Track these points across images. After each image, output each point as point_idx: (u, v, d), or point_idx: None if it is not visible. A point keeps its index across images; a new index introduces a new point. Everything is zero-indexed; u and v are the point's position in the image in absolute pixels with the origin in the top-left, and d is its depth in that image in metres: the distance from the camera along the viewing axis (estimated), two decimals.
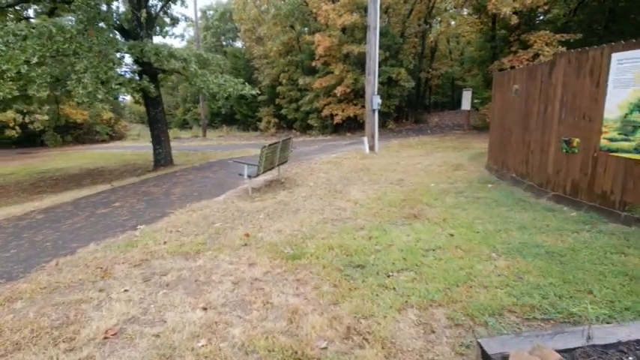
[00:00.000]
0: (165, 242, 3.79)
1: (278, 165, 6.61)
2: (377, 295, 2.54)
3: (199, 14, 31.35)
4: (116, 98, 8.04)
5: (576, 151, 4.40)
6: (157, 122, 10.10)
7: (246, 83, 10.12)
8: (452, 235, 3.70)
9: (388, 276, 2.83)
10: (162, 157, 10.30)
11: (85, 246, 3.86)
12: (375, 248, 3.40)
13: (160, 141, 10.22)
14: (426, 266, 2.98)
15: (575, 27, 15.12)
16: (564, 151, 4.60)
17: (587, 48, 4.14)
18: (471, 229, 3.84)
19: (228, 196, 5.99)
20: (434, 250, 3.33)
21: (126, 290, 2.74)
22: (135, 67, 8.48)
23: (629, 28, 13.46)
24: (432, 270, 2.91)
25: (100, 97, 6.60)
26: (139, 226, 4.47)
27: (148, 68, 9.14)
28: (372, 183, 6.40)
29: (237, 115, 26.52)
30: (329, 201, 5.31)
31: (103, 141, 25.10)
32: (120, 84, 7.28)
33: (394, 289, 2.64)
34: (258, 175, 5.77)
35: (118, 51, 7.33)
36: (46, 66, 6.37)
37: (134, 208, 5.52)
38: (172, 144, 19.91)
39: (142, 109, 10.76)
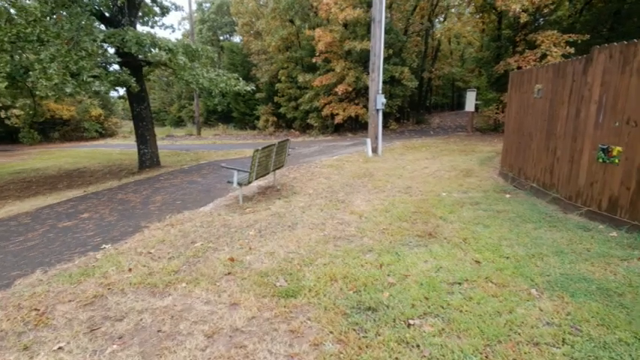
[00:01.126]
0: (130, 269, 3.14)
1: (273, 170, 5.97)
2: (396, 359, 1.92)
3: (194, 7, 30.57)
4: (98, 92, 7.30)
5: (617, 161, 3.80)
6: (141, 120, 9.38)
7: (240, 79, 9.43)
8: (478, 262, 3.09)
9: (408, 325, 2.21)
10: (147, 157, 9.58)
11: (28, 275, 3.15)
12: (388, 281, 2.77)
13: (145, 140, 9.50)
14: (454, 309, 2.37)
15: (581, 28, 14.68)
16: (601, 160, 4.00)
17: (635, 40, 3.54)
18: (498, 254, 3.24)
19: (215, 205, 5.35)
20: (460, 283, 2.72)
21: (60, 348, 2.08)
22: (116, 57, 7.73)
23: (635, 30, 13.01)
24: (463, 315, 2.30)
25: (68, 90, 5.87)
26: (103, 246, 3.80)
27: (131, 60, 8.43)
28: (378, 191, 5.79)
29: (234, 113, 25.82)
30: (330, 213, 4.69)
31: (92, 138, 24.25)
32: (95, 76, 6.54)
33: (418, 347, 2.02)
34: (249, 182, 5.13)
35: (94, 40, 6.58)
36: (5, 53, 5.63)
37: (104, 220, 4.83)
38: (164, 142, 19.26)
39: None
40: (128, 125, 30.42)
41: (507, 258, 3.13)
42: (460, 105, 30.49)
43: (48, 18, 6.45)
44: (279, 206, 5.05)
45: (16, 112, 14.47)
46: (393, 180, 6.57)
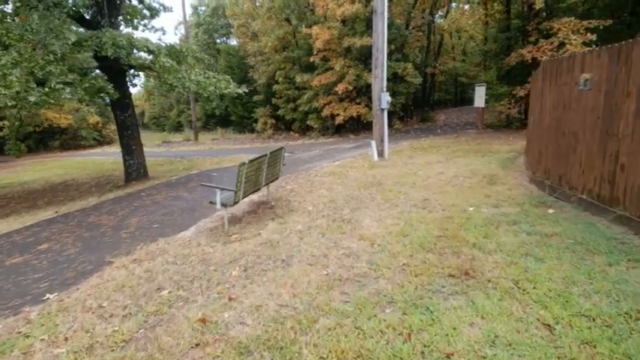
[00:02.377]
0: (66, 338, 2.27)
1: (266, 184, 5.08)
2: None
3: (190, 10, 29.93)
4: (81, 101, 6.52)
5: None
6: (126, 128, 8.53)
7: (231, 81, 8.57)
8: (548, 326, 2.16)
9: None
10: (133, 169, 8.73)
11: None
12: None
13: (130, 150, 8.65)
14: None
15: (599, 13, 13.69)
16: None
17: None
18: (573, 310, 2.28)
19: (197, 230, 4.45)
20: None
21: None
22: (93, 62, 6.94)
23: None
24: None
25: (32, 99, 5.08)
26: (47, 296, 2.92)
27: (113, 64, 7.60)
28: (390, 206, 4.87)
29: (232, 117, 25.05)
30: (334, 239, 3.79)
31: (90, 146, 23.61)
32: (67, 83, 5.73)
33: None
34: (236, 202, 4.23)
35: (65, 43, 5.77)
36: None
37: (62, 253, 3.96)
38: (160, 149, 18.45)
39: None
40: None
41: (591, 319, 2.19)
42: (464, 101, 29.41)
43: (9, 19, 5.67)
44: (272, 230, 4.15)
45: (7, 123, 13.86)
46: (405, 190, 5.65)
